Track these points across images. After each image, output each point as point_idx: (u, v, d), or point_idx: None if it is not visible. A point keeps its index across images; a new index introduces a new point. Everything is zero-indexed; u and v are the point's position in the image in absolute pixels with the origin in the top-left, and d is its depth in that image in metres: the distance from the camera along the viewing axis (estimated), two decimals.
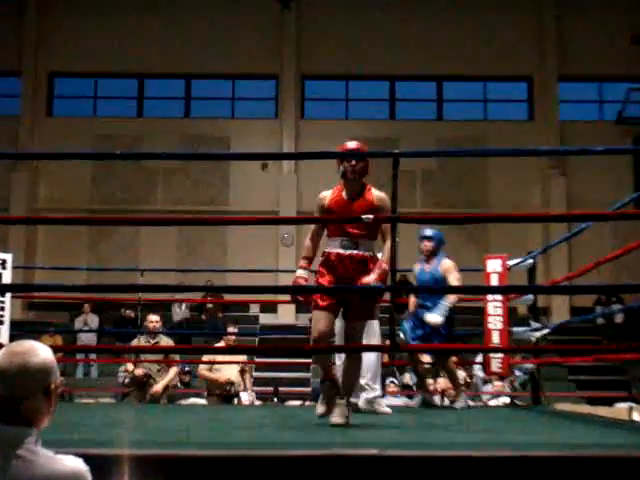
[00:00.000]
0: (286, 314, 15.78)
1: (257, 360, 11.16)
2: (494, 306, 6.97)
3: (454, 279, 6.66)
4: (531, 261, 7.45)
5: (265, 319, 15.91)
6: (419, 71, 17.36)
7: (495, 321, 6.96)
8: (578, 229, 6.10)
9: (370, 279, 4.20)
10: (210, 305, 14.28)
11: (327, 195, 4.55)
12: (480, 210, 16.08)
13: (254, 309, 16.13)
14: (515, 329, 7.40)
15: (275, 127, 17.15)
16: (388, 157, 3.74)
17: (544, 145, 16.25)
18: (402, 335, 6.62)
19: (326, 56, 17.30)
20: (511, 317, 7.23)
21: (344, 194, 4.49)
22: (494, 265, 7.07)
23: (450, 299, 6.65)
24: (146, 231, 16.21)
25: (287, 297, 10.40)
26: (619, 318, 14.97)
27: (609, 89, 17.57)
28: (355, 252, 4.36)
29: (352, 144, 4.53)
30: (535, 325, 7.46)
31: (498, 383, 9.55)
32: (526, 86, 17.59)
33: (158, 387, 7.81)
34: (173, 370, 8.02)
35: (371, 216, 3.59)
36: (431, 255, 6.78)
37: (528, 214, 4.38)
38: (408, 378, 11.42)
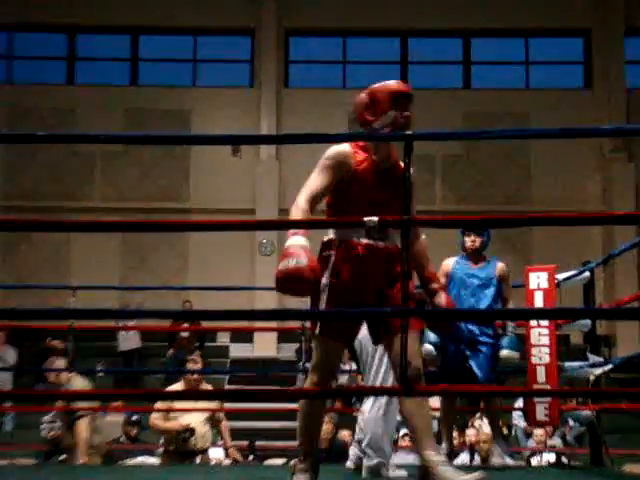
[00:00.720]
0: (264, 345, 15.78)
1: (227, 407, 11.16)
2: (539, 333, 6.98)
3: (509, 292, 6.69)
4: (588, 274, 7.47)
5: (237, 351, 15.91)
6: (439, 24, 17.40)
7: (540, 354, 6.97)
8: None
9: (442, 301, 4.06)
10: (185, 334, 14.27)
11: (349, 153, 4.18)
12: (520, 208, 16.11)
13: (223, 338, 16.13)
14: (567, 364, 7.40)
15: (251, 98, 17.15)
16: (398, 140, 3.75)
17: (605, 121, 16.29)
18: (428, 347, 6.54)
19: (317, 5, 17.33)
20: (562, 348, 7.25)
21: (376, 158, 4.19)
22: (539, 279, 7.08)
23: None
24: (80, 235, 16.20)
25: (265, 323, 10.26)
26: None
27: None
28: (390, 245, 4.11)
29: (402, 85, 4.25)
30: (594, 359, 7.48)
31: (539, 431, 9.55)
32: (582, 43, 17.65)
33: (81, 457, 7.89)
34: (81, 425, 8.07)
35: (375, 218, 3.58)
36: (477, 254, 6.73)
37: (584, 214, 4.40)
38: None
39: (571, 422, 11.12)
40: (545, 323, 6.95)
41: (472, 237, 6.67)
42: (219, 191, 16.66)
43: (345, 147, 4.18)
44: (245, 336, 15.79)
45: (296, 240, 3.83)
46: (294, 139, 4.83)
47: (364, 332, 5.81)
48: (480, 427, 10.44)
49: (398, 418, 5.67)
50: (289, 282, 3.71)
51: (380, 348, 5.72)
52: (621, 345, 15.55)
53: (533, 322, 6.95)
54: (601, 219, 4.22)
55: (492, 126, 15.68)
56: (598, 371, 7.30)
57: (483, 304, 6.52)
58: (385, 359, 5.55)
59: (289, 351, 14.76)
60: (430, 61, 17.65)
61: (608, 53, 17.25)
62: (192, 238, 16.51)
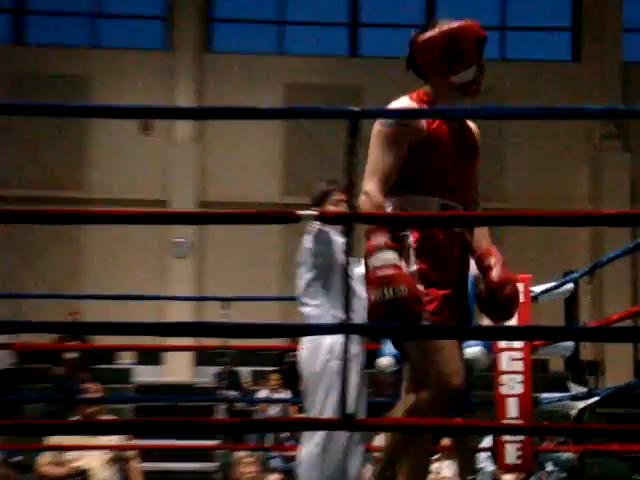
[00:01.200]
0: (177, 367, 15.71)
1: (131, 443, 11.08)
2: (510, 358, 7.05)
3: None
4: (571, 287, 7.56)
5: (143, 375, 15.83)
6: None
7: (512, 382, 7.04)
8: None
9: (495, 276, 4.16)
10: (73, 355, 14.16)
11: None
12: (492, 205, 16.22)
13: (124, 359, 16.04)
14: (545, 396, 7.49)
15: (165, 64, 17.08)
16: (342, 118, 3.77)
17: (596, 101, 16.47)
18: (384, 362, 6.47)
19: None
20: (538, 376, 7.32)
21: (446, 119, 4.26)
22: None
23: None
24: None
25: (178, 340, 10.23)
26: None
27: None
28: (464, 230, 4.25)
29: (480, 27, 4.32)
30: (576, 390, 7.57)
31: (509, 477, 9.62)
32: (570, 6, 17.83)
33: None
34: None
35: (314, 212, 3.59)
36: None
37: (568, 212, 4.40)
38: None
39: (549, 466, 11.23)
40: (518, 345, 7.02)
41: None
42: (124, 178, 16.56)
43: (402, 100, 4.19)
44: (153, 356, 15.70)
45: (385, 257, 3.86)
46: (218, 114, 4.81)
47: (305, 353, 5.81)
48: (439, 470, 10.52)
49: (340, 457, 5.64)
50: (390, 317, 3.78)
51: (329, 371, 5.72)
52: (610, 373, 15.72)
53: (503, 344, 7.02)
54: (588, 219, 4.28)
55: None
56: (581, 404, 7.40)
57: None
58: (335, 385, 5.54)
59: (207, 375, 14.73)
60: (384, 24, 17.72)
61: (601, 19, 17.43)
62: (89, 234, 16.38)
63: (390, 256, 3.86)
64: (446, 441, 10.55)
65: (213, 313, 10.48)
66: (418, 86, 4.33)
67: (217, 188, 16.45)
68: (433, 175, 4.07)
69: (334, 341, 5.53)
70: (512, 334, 5.13)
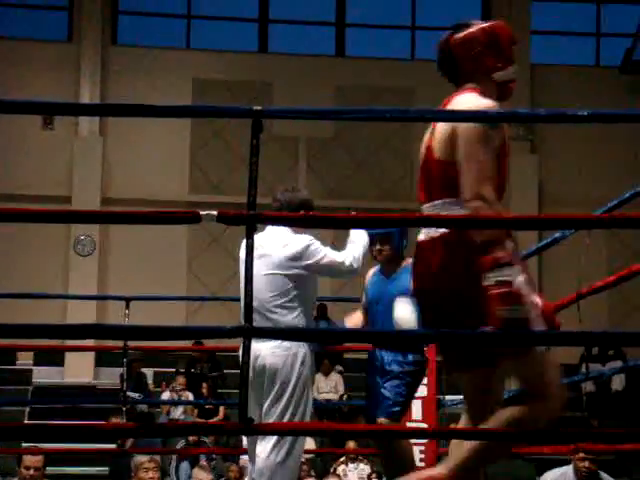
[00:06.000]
0: (79, 368, 15.56)
1: (25, 446, 10.99)
2: None
3: None
4: None
5: (43, 376, 15.67)
6: None
7: None
8: (550, 239, 6.29)
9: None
10: None
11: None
12: (401, 206, 16.28)
13: (24, 360, 15.84)
14: (449, 398, 7.54)
15: (68, 57, 16.91)
16: (244, 117, 3.77)
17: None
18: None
19: None
20: (444, 379, 7.38)
21: None
22: None
23: None
24: None
25: (80, 341, 10.13)
26: (618, 384, 15.30)
27: (612, 13, 17.93)
28: None
29: None
30: None
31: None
32: (480, 6, 17.98)
33: None
34: None
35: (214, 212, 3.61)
36: (391, 263, 6.62)
37: (478, 215, 4.48)
38: None
39: None
40: None
41: (377, 246, 6.53)
42: (25, 174, 16.35)
43: (492, 102, 4.10)
44: (53, 357, 15.53)
45: (507, 272, 3.81)
46: (123, 110, 4.76)
47: (277, 360, 5.68)
48: (345, 474, 10.59)
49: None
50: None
51: (302, 381, 5.65)
52: None
53: None
54: (493, 222, 4.31)
55: (370, 103, 15.82)
56: None
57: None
58: (305, 394, 5.51)
59: (109, 377, 14.62)
60: (295, 20, 17.73)
61: (511, 21, 17.58)
62: None
63: (512, 271, 3.82)
64: (351, 445, 10.64)
65: (116, 313, 10.42)
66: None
67: (122, 184, 16.33)
68: (501, 180, 4.04)
69: (306, 351, 5.54)
70: (418, 336, 5.16)
